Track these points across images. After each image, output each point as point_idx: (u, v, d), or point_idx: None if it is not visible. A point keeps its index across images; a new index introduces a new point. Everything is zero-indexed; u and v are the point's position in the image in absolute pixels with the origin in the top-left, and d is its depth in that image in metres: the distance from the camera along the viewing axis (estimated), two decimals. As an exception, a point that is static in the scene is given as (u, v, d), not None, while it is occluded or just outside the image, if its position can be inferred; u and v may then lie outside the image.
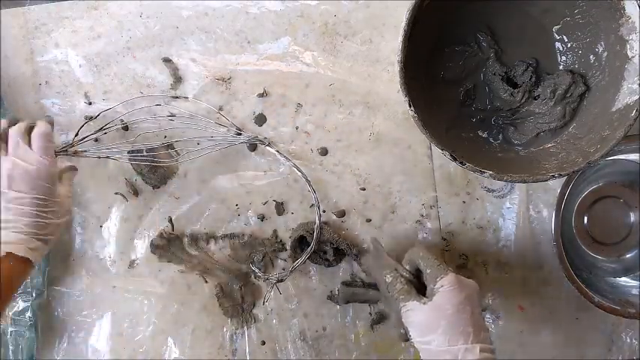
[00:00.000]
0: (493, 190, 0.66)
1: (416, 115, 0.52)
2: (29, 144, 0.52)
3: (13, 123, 0.53)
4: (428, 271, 0.50)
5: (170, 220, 0.66)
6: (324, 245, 0.64)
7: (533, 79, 0.60)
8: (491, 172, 0.52)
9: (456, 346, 0.44)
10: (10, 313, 0.64)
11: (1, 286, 0.48)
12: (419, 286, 0.52)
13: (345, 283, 0.65)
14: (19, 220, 0.50)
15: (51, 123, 0.60)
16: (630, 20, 0.52)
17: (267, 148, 0.61)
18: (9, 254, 0.49)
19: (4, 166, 0.50)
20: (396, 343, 0.67)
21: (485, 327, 0.48)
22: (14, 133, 0.52)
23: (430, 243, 0.66)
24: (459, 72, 0.62)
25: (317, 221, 0.62)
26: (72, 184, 0.57)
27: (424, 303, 0.48)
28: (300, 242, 0.65)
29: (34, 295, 0.63)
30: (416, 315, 0.48)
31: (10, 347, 0.63)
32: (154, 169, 0.65)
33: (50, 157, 0.52)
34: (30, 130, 0.53)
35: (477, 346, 0.44)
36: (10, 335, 0.63)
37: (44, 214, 0.51)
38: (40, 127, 0.53)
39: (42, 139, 0.52)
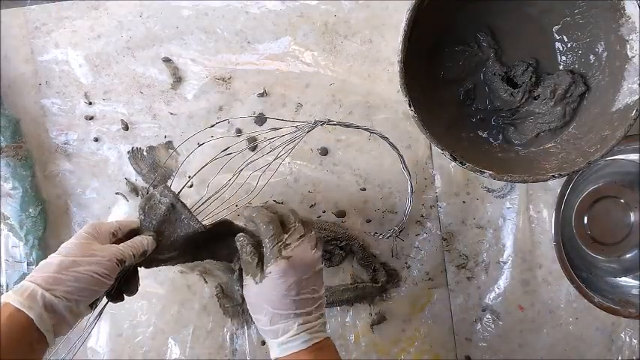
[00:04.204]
0: (493, 190, 0.66)
1: (416, 115, 0.52)
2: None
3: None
4: (264, 249, 0.48)
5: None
6: (328, 245, 0.64)
7: (533, 79, 0.60)
8: (491, 172, 0.52)
9: (276, 325, 0.47)
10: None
11: None
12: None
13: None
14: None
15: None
16: (630, 20, 0.52)
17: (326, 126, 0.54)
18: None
19: None
20: (397, 343, 0.67)
21: (311, 304, 0.48)
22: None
23: (430, 250, 0.67)
24: (459, 72, 0.62)
25: (409, 188, 0.59)
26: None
27: (256, 283, 0.47)
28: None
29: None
30: (248, 291, 0.49)
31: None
32: (155, 169, 0.65)
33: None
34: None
35: (296, 324, 0.46)
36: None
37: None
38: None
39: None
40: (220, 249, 0.55)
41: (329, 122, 0.53)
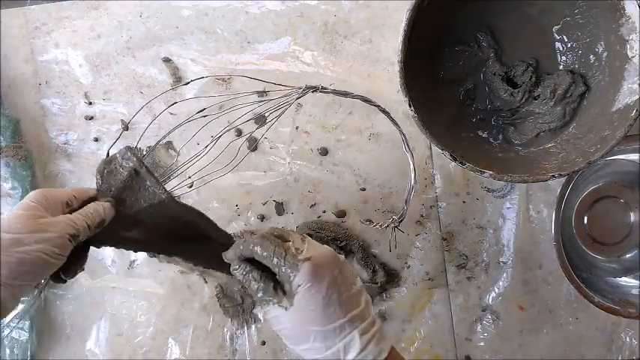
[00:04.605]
0: (493, 190, 0.66)
1: (416, 115, 0.52)
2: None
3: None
4: (277, 269, 0.39)
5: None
6: (328, 245, 0.64)
7: (533, 79, 0.60)
8: (491, 172, 0.52)
9: (334, 347, 0.37)
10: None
11: None
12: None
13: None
14: None
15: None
16: (630, 20, 0.52)
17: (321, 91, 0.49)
18: None
19: None
20: (397, 343, 0.67)
21: (358, 302, 0.39)
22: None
23: (430, 250, 0.67)
24: (459, 72, 0.62)
25: (411, 172, 0.52)
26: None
27: (287, 308, 0.38)
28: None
29: (30, 296, 0.63)
30: (281, 323, 0.39)
31: (7, 350, 0.63)
32: (155, 169, 0.65)
33: None
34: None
35: (356, 333, 0.37)
36: (7, 338, 0.63)
37: None
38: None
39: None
40: (195, 250, 0.49)
41: (322, 89, 0.48)
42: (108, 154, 0.49)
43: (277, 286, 0.40)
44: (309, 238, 0.43)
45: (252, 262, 0.41)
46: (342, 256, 0.42)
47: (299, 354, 0.40)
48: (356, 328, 0.38)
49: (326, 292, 0.38)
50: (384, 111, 0.52)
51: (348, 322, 0.38)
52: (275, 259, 0.39)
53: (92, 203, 0.43)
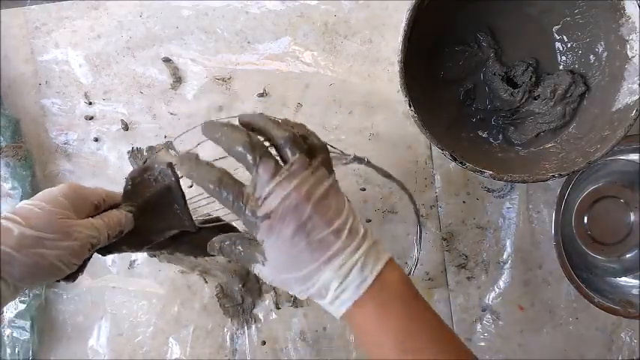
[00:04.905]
0: (493, 190, 0.66)
1: (416, 115, 0.52)
2: None
3: None
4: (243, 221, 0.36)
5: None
6: None
7: (533, 79, 0.60)
8: (491, 172, 0.52)
9: (313, 288, 0.35)
10: (8, 315, 0.63)
11: None
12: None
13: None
14: None
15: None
16: (630, 20, 0.52)
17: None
18: None
19: None
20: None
21: (331, 240, 0.35)
22: None
23: (430, 250, 0.67)
24: (459, 72, 0.62)
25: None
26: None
27: (263, 263, 0.37)
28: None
29: (30, 296, 0.63)
30: (265, 277, 0.38)
31: (8, 350, 0.63)
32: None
33: None
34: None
35: (329, 273, 0.35)
36: (8, 338, 0.63)
37: None
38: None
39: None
40: (194, 241, 0.47)
41: (367, 162, 0.46)
42: (145, 161, 0.49)
43: (249, 242, 0.38)
44: (291, 165, 0.35)
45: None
46: (324, 180, 0.36)
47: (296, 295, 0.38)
48: (331, 266, 0.35)
49: (290, 242, 0.35)
50: (403, 187, 0.52)
51: (322, 264, 0.35)
52: (235, 211, 0.36)
53: (115, 211, 0.41)
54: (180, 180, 0.43)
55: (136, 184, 0.43)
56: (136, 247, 0.46)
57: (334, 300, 0.35)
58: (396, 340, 0.34)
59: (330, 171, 0.38)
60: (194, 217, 0.45)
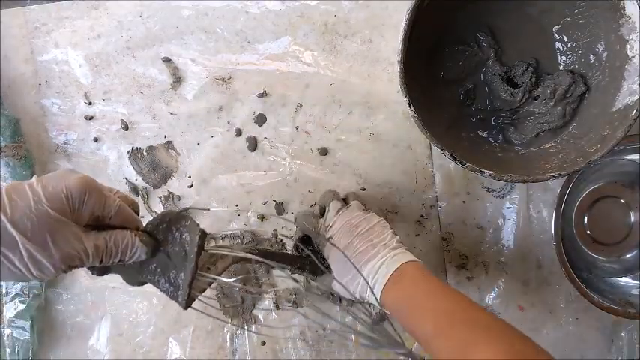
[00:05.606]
0: (493, 190, 0.66)
1: (416, 115, 0.52)
2: None
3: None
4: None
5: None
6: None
7: (533, 79, 0.60)
8: (491, 172, 0.52)
9: (357, 288, 0.48)
10: (8, 315, 0.63)
11: None
12: None
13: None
14: None
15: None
16: (630, 20, 0.52)
17: None
18: None
19: None
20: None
21: (369, 252, 0.49)
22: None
23: (430, 250, 0.67)
24: (459, 72, 0.62)
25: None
26: None
27: (330, 272, 0.51)
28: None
29: (30, 296, 0.63)
30: (334, 285, 0.51)
31: (8, 350, 0.63)
32: (155, 169, 0.65)
33: None
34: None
35: (365, 275, 0.47)
36: (8, 338, 0.63)
37: None
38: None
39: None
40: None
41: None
42: (187, 209, 0.50)
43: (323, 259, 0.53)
44: (350, 207, 0.54)
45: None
46: (372, 218, 0.52)
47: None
48: (367, 266, 0.47)
49: (342, 256, 0.49)
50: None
51: (362, 266, 0.48)
52: (314, 239, 0.55)
53: (127, 235, 0.38)
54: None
55: (164, 227, 0.41)
56: (130, 282, 0.44)
57: (372, 291, 0.47)
58: (405, 304, 0.45)
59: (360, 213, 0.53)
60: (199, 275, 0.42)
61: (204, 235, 0.41)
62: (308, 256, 0.53)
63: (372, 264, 0.47)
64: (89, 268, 0.39)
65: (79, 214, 0.34)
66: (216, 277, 0.45)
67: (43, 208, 0.32)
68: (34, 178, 0.34)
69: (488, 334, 0.39)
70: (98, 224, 0.37)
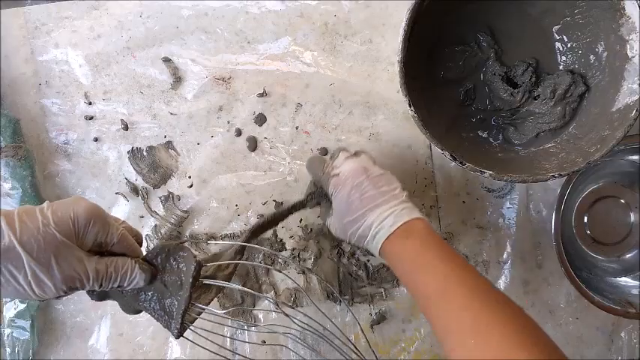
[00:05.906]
0: (493, 190, 0.66)
1: (416, 115, 0.52)
2: None
3: None
4: (322, 185, 0.53)
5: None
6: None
7: (533, 79, 0.60)
8: (491, 172, 0.52)
9: (360, 228, 0.48)
10: (8, 315, 0.63)
11: None
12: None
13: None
14: None
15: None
16: (630, 20, 0.52)
17: None
18: None
19: None
20: (397, 343, 0.67)
21: (377, 196, 0.48)
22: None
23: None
24: (459, 72, 0.62)
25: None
26: None
27: (332, 214, 0.51)
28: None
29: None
30: (332, 224, 0.52)
31: (8, 350, 0.63)
32: (155, 169, 0.65)
33: None
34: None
35: (372, 217, 0.47)
36: (8, 337, 0.63)
37: None
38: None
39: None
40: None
41: None
42: (190, 238, 0.54)
43: (327, 201, 0.53)
44: (360, 157, 0.52)
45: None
46: (380, 172, 0.50)
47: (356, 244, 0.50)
48: (373, 213, 0.47)
49: (348, 194, 0.48)
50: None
51: (368, 211, 0.47)
52: (321, 178, 0.52)
53: (129, 262, 0.40)
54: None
55: (164, 257, 0.43)
56: (126, 310, 0.46)
57: (373, 238, 0.47)
58: (411, 260, 0.45)
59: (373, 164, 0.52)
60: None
61: (199, 266, 0.43)
62: (313, 194, 0.55)
63: (380, 211, 0.47)
64: (88, 292, 0.42)
65: (84, 239, 0.37)
66: (206, 307, 0.47)
67: (50, 231, 0.35)
68: (46, 203, 0.37)
69: (496, 306, 0.42)
70: (101, 250, 0.40)
